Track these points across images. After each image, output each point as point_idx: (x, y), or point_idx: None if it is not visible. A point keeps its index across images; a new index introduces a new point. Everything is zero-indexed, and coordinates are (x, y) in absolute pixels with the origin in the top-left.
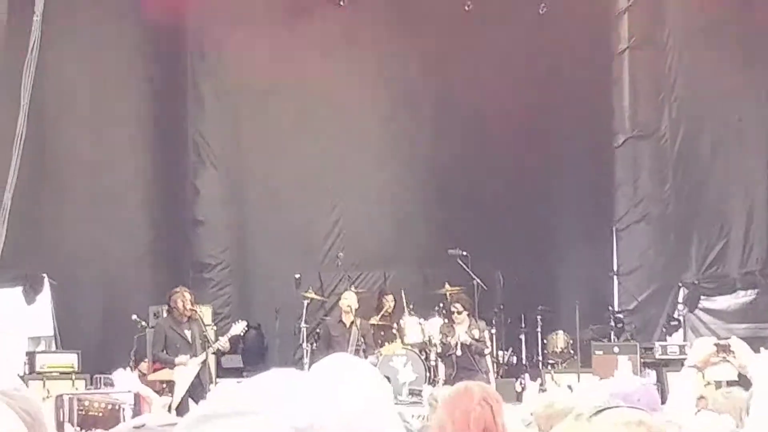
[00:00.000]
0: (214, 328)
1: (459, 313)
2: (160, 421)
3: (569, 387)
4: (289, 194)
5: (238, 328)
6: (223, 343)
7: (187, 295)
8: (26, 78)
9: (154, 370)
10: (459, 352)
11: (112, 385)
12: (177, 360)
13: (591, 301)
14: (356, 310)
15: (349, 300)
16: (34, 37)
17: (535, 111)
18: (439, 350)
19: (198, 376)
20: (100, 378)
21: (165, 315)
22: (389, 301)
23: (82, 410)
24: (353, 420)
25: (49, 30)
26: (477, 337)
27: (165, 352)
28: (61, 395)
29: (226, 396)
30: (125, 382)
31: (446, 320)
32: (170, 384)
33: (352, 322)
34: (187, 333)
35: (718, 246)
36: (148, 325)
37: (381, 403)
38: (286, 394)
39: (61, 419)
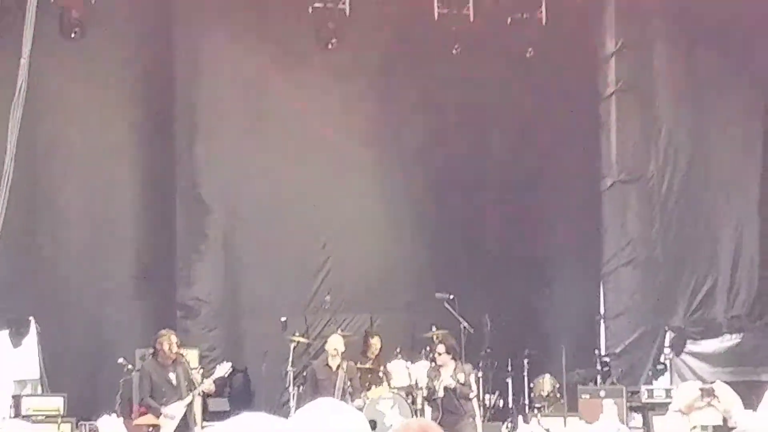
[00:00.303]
0: (201, 370)
1: (440, 354)
2: None
3: (547, 431)
4: (276, 237)
5: (223, 369)
6: (208, 385)
7: (173, 338)
8: (13, 120)
9: (140, 414)
10: (441, 393)
11: (96, 431)
12: (164, 411)
13: (578, 345)
14: (343, 353)
15: (335, 343)
16: (21, 79)
17: (522, 154)
18: (425, 394)
19: (185, 418)
20: (85, 425)
21: (150, 358)
22: (376, 344)
23: None
24: None
25: (38, 72)
26: (462, 380)
27: (151, 396)
28: None
29: None
30: (110, 429)
31: (433, 363)
32: (156, 428)
33: (339, 366)
34: (172, 376)
35: (705, 289)
36: (134, 368)
37: None
38: None
39: None
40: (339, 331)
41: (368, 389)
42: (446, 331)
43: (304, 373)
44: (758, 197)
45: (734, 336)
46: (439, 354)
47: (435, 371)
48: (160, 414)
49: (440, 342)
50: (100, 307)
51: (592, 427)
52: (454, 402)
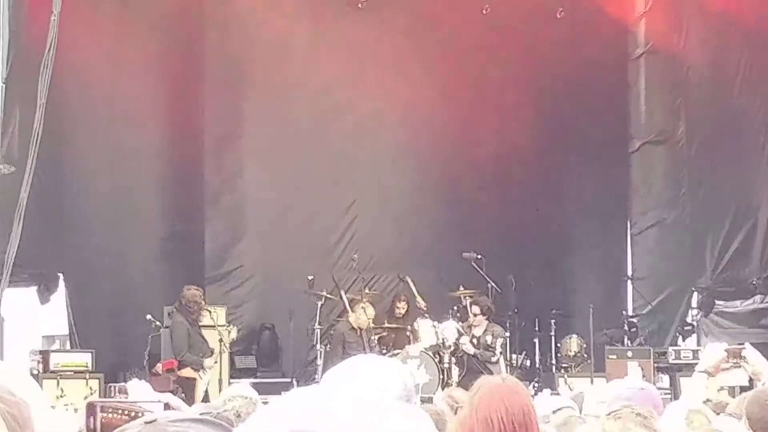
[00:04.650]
0: (229, 328)
1: (475, 315)
2: (173, 416)
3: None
4: (304, 195)
5: (232, 334)
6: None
7: (198, 293)
8: (43, 77)
9: (166, 367)
10: (467, 351)
11: (126, 392)
12: (206, 363)
13: (605, 306)
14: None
15: (359, 320)
16: (51, 36)
17: (551, 114)
18: (452, 350)
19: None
20: (115, 386)
21: (177, 314)
22: (402, 307)
23: (105, 416)
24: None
25: (72, 30)
26: (489, 342)
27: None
28: (93, 403)
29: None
30: (140, 393)
31: (461, 323)
32: (193, 382)
33: (363, 328)
34: (203, 332)
35: (732, 249)
36: (162, 324)
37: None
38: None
39: (92, 427)
40: (366, 290)
41: (396, 348)
42: (477, 291)
43: (331, 332)
44: None
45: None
46: (475, 315)
47: (466, 328)
48: (201, 367)
49: (474, 303)
50: (129, 264)
51: (614, 386)
52: (477, 365)
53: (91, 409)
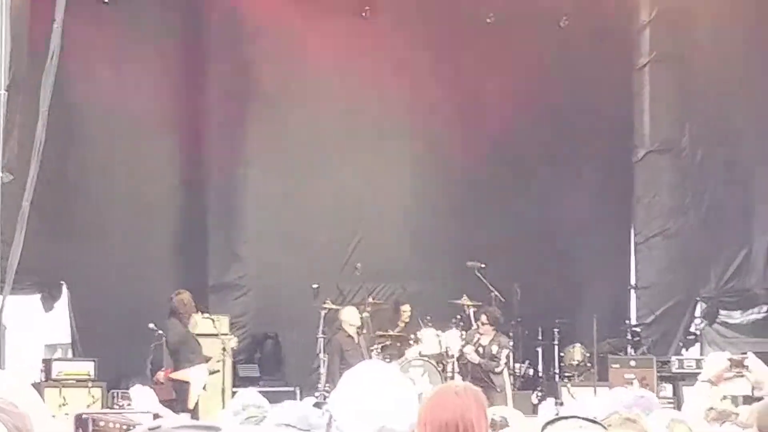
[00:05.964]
0: (232, 336)
1: (483, 324)
2: (174, 423)
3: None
4: (308, 205)
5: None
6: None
7: (188, 296)
8: (45, 86)
9: (168, 376)
10: (471, 359)
11: (129, 399)
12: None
13: (608, 315)
14: (359, 327)
15: (349, 319)
16: (53, 44)
17: (555, 124)
18: (457, 356)
19: None
20: (118, 393)
21: (173, 319)
22: (406, 311)
23: (97, 429)
24: None
25: (75, 39)
26: (494, 352)
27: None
28: (81, 414)
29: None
30: (143, 399)
31: (463, 332)
32: (180, 387)
33: (359, 336)
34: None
35: (738, 260)
36: (164, 334)
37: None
38: None
39: None
40: (370, 299)
41: (400, 356)
42: (483, 303)
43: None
44: None
45: None
46: (483, 324)
47: (471, 336)
48: (194, 363)
49: (483, 313)
50: (131, 273)
51: (610, 393)
52: (481, 373)
53: (79, 421)
